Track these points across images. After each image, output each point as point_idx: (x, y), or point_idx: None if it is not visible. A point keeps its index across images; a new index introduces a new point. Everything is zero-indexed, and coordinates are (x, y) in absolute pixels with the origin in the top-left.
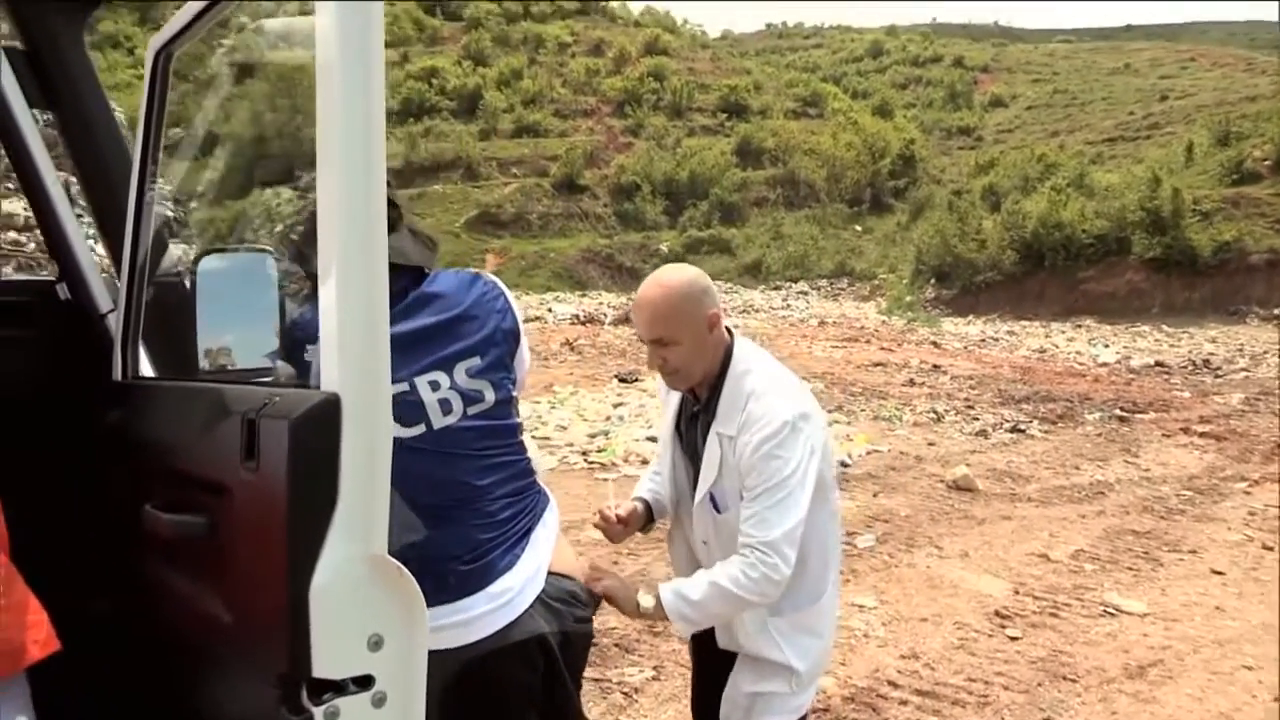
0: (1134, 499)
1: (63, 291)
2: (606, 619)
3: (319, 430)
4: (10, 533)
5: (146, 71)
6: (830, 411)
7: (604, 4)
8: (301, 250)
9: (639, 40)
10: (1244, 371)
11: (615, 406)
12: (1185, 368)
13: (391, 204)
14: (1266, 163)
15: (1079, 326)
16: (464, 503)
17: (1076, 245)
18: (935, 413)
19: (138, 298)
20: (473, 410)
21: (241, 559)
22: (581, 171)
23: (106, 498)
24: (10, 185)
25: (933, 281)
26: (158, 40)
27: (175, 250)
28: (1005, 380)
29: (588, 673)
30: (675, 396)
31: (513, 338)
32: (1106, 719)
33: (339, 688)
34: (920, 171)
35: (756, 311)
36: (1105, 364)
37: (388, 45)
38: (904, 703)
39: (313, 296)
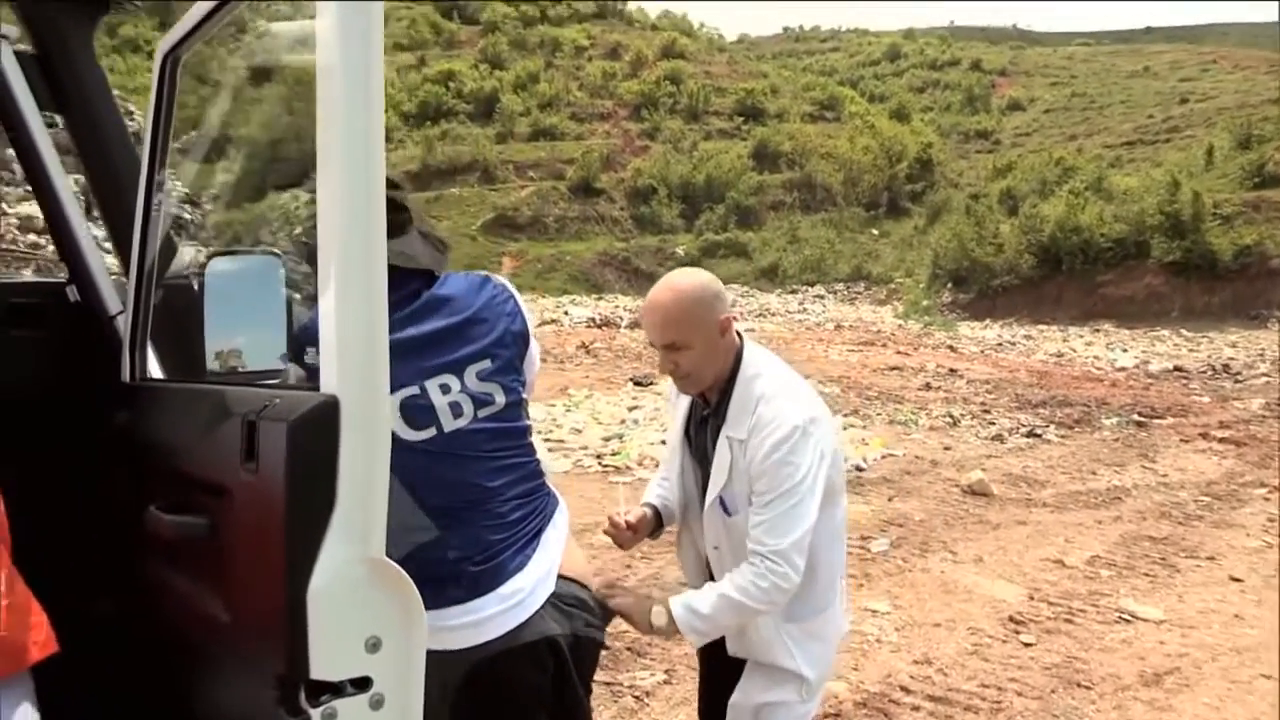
0: (1151, 505)
1: (72, 293)
2: (619, 622)
3: (317, 432)
4: (17, 533)
5: (154, 74)
6: (846, 415)
7: (621, 7)
8: (314, 252)
9: (656, 44)
10: (1264, 377)
11: (630, 410)
12: (1204, 373)
13: (401, 206)
14: None
15: (1097, 331)
16: (475, 504)
17: (1095, 249)
18: (951, 417)
19: (146, 300)
20: (483, 413)
21: (241, 560)
22: (598, 175)
23: (113, 499)
24: (29, 188)
25: (949, 285)
26: (166, 43)
27: (189, 252)
28: (1022, 385)
29: (599, 676)
30: (684, 401)
31: (522, 340)
32: None
33: (337, 689)
34: (937, 175)
35: (773, 315)
36: (1123, 369)
37: (405, 49)
38: (916, 708)
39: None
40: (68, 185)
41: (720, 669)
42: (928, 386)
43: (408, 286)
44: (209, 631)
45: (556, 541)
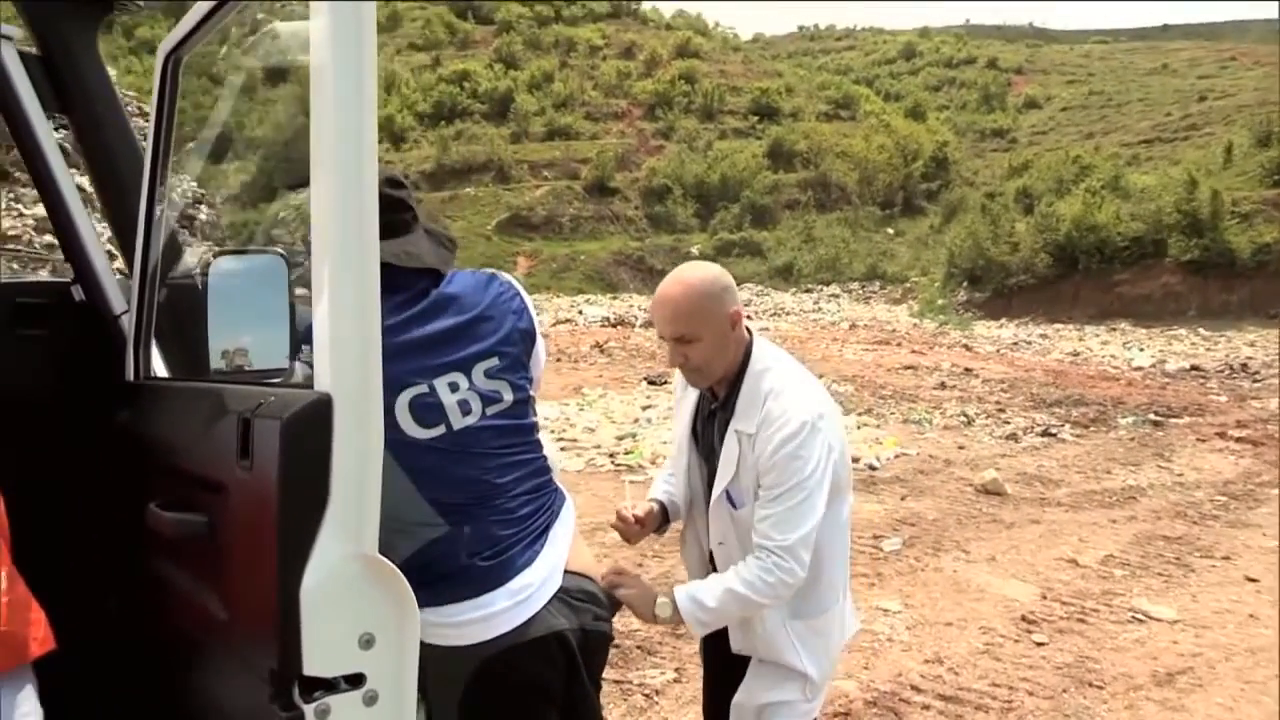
0: (1166, 504)
1: (77, 293)
2: (629, 620)
3: (310, 430)
4: (22, 531)
5: (155, 75)
6: (860, 415)
7: (635, 7)
8: None
9: (670, 43)
10: None
11: (644, 409)
12: (1222, 372)
13: (405, 205)
14: None
15: (1113, 330)
16: (484, 500)
17: (1111, 248)
18: (966, 416)
19: (149, 299)
20: (491, 410)
21: (236, 557)
22: (612, 174)
23: (116, 497)
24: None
25: (965, 284)
26: (166, 44)
27: (194, 251)
28: (1037, 384)
29: (609, 674)
30: (691, 397)
31: (529, 338)
32: None
33: (330, 686)
34: (953, 174)
35: (787, 314)
36: (1140, 368)
37: (420, 49)
38: (926, 708)
39: None
40: (72, 186)
41: (724, 668)
42: (942, 385)
43: (415, 285)
44: (206, 628)
45: (564, 537)
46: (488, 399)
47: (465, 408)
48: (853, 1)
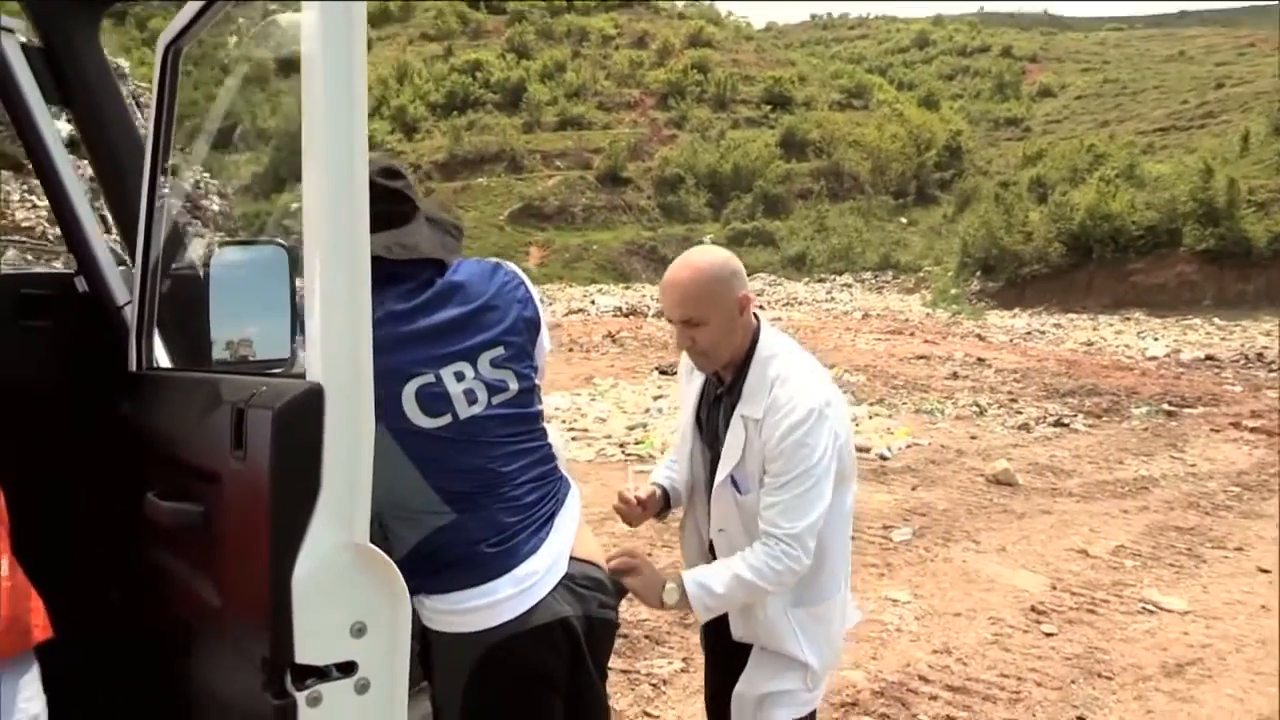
0: (1179, 495)
1: (81, 284)
2: (638, 610)
3: (302, 420)
4: (27, 522)
5: (155, 67)
6: (872, 405)
7: None
8: None
9: (683, 32)
10: None
11: (655, 399)
12: (1237, 361)
13: (401, 196)
14: None
15: (1127, 319)
16: (490, 488)
17: (1126, 237)
18: (978, 406)
19: (152, 290)
20: (497, 399)
21: (230, 546)
22: (625, 164)
23: (119, 488)
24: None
25: (978, 274)
26: (166, 35)
27: (197, 242)
28: (1050, 374)
29: (617, 664)
30: (696, 383)
31: (534, 326)
32: (1141, 717)
33: (322, 674)
34: (966, 163)
35: (800, 304)
36: (1154, 358)
37: (432, 39)
38: (934, 698)
39: None
40: (75, 178)
41: (725, 657)
42: (955, 375)
43: (420, 275)
44: (202, 616)
45: (569, 524)
46: (493, 388)
47: (471, 397)
48: None
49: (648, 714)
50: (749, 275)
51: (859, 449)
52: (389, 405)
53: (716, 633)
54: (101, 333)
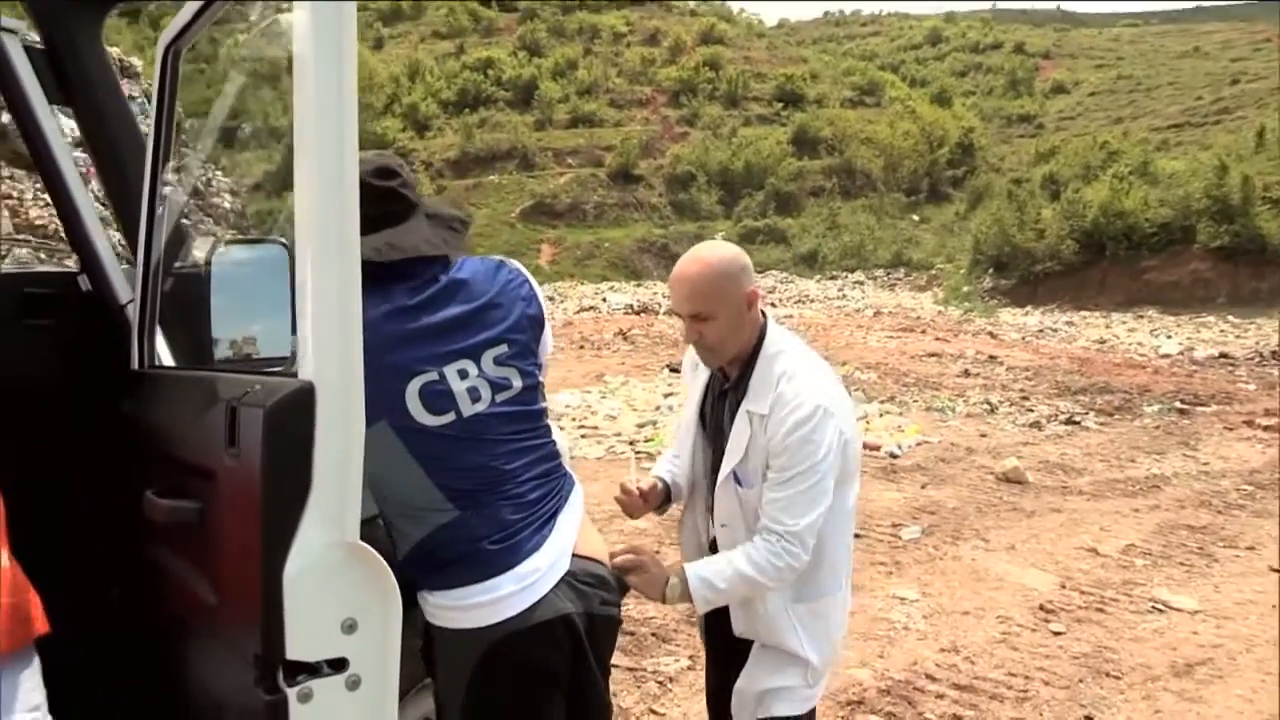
0: (1190, 493)
1: (84, 283)
2: (644, 608)
3: (293, 418)
4: (28, 520)
5: (156, 67)
6: (883, 402)
7: None
8: None
9: (695, 29)
10: None
11: (666, 396)
12: (1251, 359)
13: (395, 196)
14: None
15: (1140, 317)
16: (493, 486)
17: (1139, 234)
18: (989, 404)
19: (153, 289)
20: (500, 397)
21: (224, 542)
22: (636, 161)
23: (120, 486)
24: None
25: (990, 271)
26: (166, 36)
27: (201, 241)
28: (1062, 372)
29: (623, 661)
30: (701, 379)
31: (537, 324)
32: (1149, 717)
33: (313, 670)
34: (979, 160)
35: (812, 301)
36: (1167, 355)
37: (444, 37)
38: (941, 696)
39: None
40: (78, 177)
41: (726, 652)
42: (966, 373)
43: (424, 273)
44: (198, 613)
45: (572, 521)
46: (497, 386)
47: (475, 395)
48: None
49: (654, 711)
50: (761, 273)
51: (869, 446)
52: (393, 403)
53: (717, 629)
54: (104, 331)
